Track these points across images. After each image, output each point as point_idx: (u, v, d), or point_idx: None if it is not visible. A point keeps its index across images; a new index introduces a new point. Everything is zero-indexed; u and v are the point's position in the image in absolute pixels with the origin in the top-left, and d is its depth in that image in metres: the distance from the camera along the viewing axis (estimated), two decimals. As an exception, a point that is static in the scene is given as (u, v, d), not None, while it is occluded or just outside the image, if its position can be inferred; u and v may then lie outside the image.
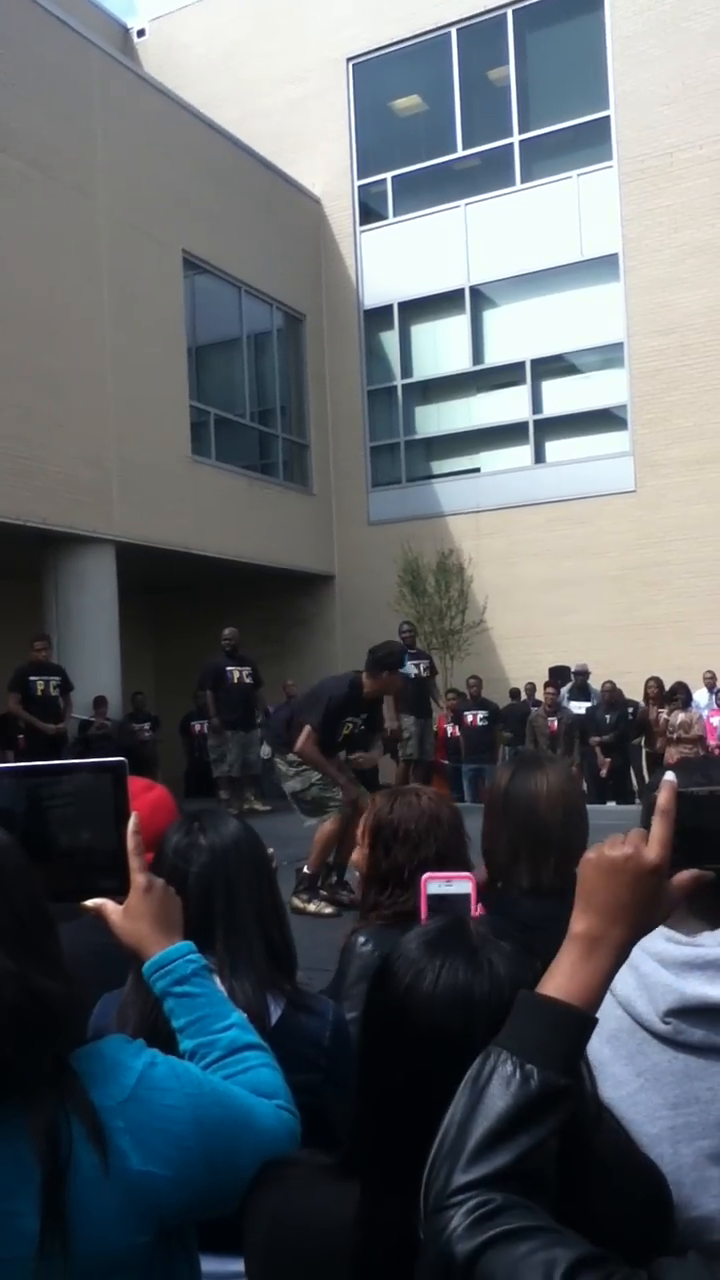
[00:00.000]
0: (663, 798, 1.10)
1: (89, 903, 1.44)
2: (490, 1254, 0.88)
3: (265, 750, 8.40)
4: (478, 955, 1.14)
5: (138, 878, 1.42)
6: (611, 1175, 1.18)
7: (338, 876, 6.88)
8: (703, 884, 1.46)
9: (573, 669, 13.84)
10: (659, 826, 1.09)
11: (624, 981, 1.44)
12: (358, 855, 2.42)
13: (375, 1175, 1.14)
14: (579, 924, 1.09)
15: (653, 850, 1.09)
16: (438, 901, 1.54)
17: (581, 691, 13.45)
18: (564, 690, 13.74)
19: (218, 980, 1.70)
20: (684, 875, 1.10)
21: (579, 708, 13.27)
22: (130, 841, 1.42)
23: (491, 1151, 0.95)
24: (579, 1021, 1.03)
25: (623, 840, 1.11)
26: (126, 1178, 1.15)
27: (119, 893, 1.43)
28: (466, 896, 1.52)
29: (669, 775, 1.16)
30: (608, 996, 1.13)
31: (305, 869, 6.68)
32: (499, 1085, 0.98)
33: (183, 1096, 1.23)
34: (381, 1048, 1.15)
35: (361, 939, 2.15)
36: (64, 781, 1.45)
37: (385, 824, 2.32)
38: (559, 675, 13.92)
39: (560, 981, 1.06)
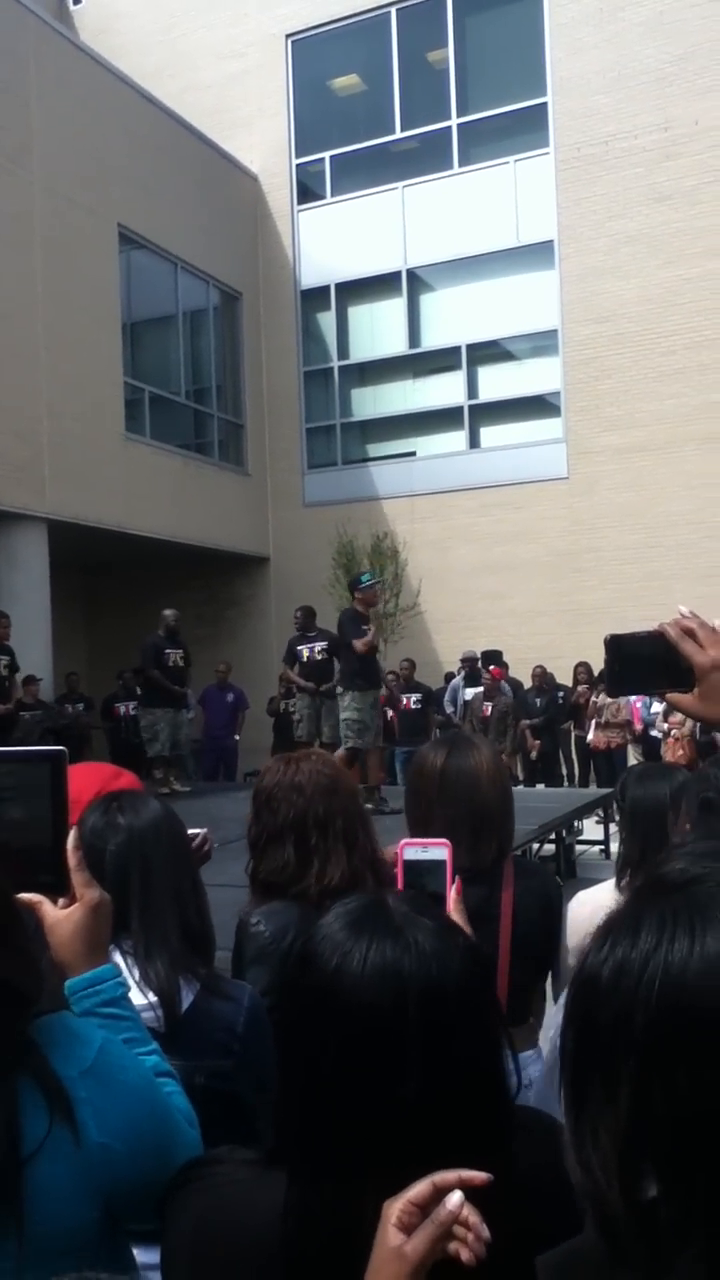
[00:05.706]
0: None
1: (23, 896, 1.35)
2: None
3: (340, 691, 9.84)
4: (403, 934, 1.09)
5: (90, 893, 1.36)
6: (524, 1131, 1.20)
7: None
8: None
9: (461, 657, 13.98)
10: None
11: None
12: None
13: (303, 1162, 1.09)
14: None
15: None
16: (414, 867, 1.46)
17: (472, 679, 13.54)
18: (458, 678, 13.88)
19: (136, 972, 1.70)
20: None
21: (470, 694, 13.31)
22: (72, 858, 1.36)
23: None
24: None
25: None
26: (86, 1150, 1.14)
27: (54, 889, 1.36)
28: (443, 863, 1.47)
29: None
30: None
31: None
32: None
33: (138, 1075, 1.24)
34: (307, 1031, 1.10)
35: (254, 919, 2.16)
36: None
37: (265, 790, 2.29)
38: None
39: None
